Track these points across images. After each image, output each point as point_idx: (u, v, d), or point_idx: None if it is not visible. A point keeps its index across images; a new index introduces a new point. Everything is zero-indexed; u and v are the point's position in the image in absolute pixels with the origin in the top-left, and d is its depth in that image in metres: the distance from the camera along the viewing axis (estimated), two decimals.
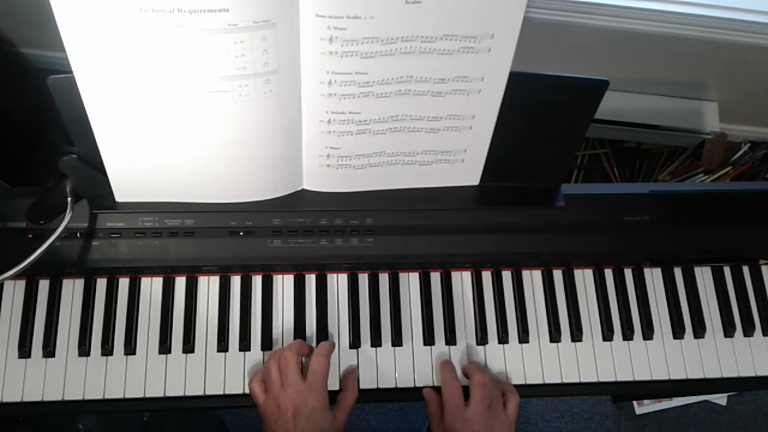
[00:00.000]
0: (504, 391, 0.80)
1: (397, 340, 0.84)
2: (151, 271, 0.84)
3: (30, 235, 0.80)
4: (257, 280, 0.86)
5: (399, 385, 0.83)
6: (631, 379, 0.85)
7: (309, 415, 0.72)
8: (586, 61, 1.07)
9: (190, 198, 0.81)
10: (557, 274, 0.89)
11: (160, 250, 0.82)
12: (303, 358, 0.80)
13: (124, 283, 0.84)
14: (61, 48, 0.62)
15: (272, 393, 0.74)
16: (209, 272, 0.85)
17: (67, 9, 0.60)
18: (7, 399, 0.79)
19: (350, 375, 0.81)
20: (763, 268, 0.92)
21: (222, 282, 0.85)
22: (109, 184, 0.78)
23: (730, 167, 1.31)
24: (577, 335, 0.86)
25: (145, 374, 0.81)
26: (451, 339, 0.84)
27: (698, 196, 0.91)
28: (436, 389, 0.81)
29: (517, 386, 0.84)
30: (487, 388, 0.78)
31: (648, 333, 0.87)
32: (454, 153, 0.80)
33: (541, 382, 0.84)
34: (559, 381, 0.84)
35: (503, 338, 0.85)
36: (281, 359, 0.76)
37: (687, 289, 0.90)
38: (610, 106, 1.17)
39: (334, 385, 0.81)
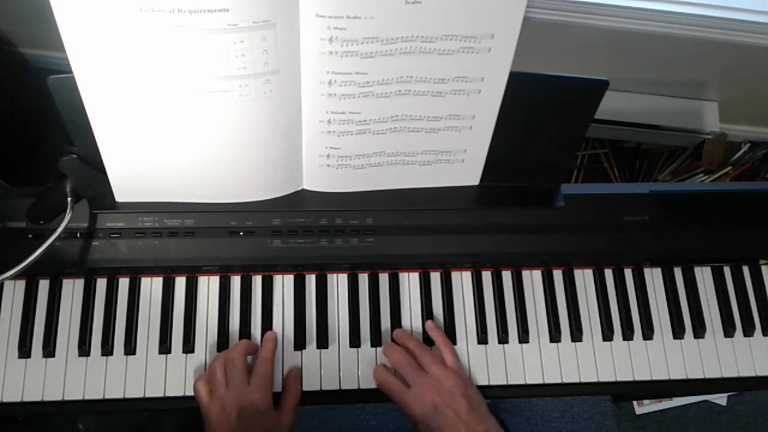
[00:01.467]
0: (438, 344, 0.81)
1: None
2: (151, 271, 0.84)
3: (30, 235, 0.80)
4: (257, 280, 0.86)
5: None
6: (631, 379, 0.85)
7: (253, 417, 0.72)
8: (586, 61, 1.07)
9: (190, 198, 0.81)
10: (557, 274, 0.89)
11: (160, 250, 0.82)
12: (249, 358, 0.79)
13: (124, 283, 0.84)
14: (61, 48, 0.62)
15: (217, 394, 0.74)
16: (209, 272, 0.85)
17: (67, 9, 0.60)
18: (7, 399, 0.79)
19: (292, 375, 0.81)
20: (763, 268, 0.92)
21: (222, 282, 0.85)
22: (109, 184, 0.78)
23: (730, 167, 1.31)
24: (577, 335, 0.86)
25: (145, 374, 0.81)
26: (451, 339, 0.84)
27: (698, 196, 0.91)
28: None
29: (517, 386, 0.84)
30: (407, 360, 0.78)
31: (648, 333, 0.87)
32: (454, 153, 0.80)
33: (541, 382, 0.84)
34: (559, 381, 0.84)
35: (503, 338, 0.85)
36: (227, 360, 0.76)
37: (687, 289, 0.90)
38: (610, 106, 1.17)
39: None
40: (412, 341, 0.81)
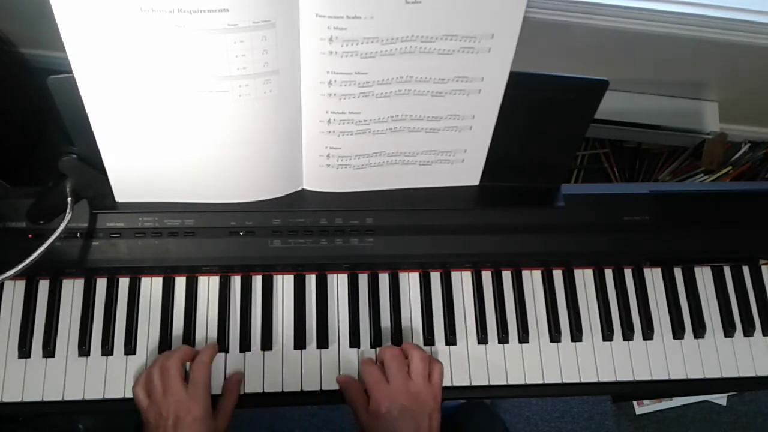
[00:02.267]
0: (429, 362, 0.79)
1: (397, 341, 0.84)
2: (151, 271, 0.84)
3: (30, 235, 0.80)
4: (257, 280, 0.86)
5: None
6: (631, 379, 0.85)
7: (190, 424, 0.72)
8: (586, 61, 1.07)
9: (190, 198, 0.81)
10: (557, 274, 0.89)
11: (160, 250, 0.82)
12: (188, 364, 0.79)
13: (124, 283, 0.84)
14: (61, 48, 0.62)
15: (154, 399, 0.74)
16: (209, 272, 0.85)
17: (67, 9, 0.60)
18: (7, 399, 0.79)
19: (233, 381, 0.80)
20: (763, 268, 0.92)
21: (222, 282, 0.85)
22: (109, 184, 0.78)
23: (730, 167, 1.31)
24: (577, 335, 0.86)
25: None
26: (451, 339, 0.84)
27: (698, 196, 0.91)
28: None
29: (517, 386, 0.84)
30: (400, 359, 0.78)
31: (648, 333, 0.87)
32: (454, 153, 0.80)
33: (541, 382, 0.84)
34: (559, 381, 0.84)
35: (503, 338, 0.85)
36: (162, 367, 0.76)
37: (687, 289, 0.90)
38: (610, 106, 1.17)
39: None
40: (416, 348, 0.80)
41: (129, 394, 0.79)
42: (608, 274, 0.90)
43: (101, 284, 0.84)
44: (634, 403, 1.47)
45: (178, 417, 0.72)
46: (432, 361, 0.79)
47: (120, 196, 0.80)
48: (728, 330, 0.88)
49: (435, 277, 0.87)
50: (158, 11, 0.60)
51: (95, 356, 0.81)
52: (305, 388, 0.81)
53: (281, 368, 0.82)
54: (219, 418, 0.76)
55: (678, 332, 0.87)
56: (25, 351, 0.80)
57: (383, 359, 0.79)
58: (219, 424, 0.76)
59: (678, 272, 0.91)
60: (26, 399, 0.79)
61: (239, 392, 0.80)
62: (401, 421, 0.73)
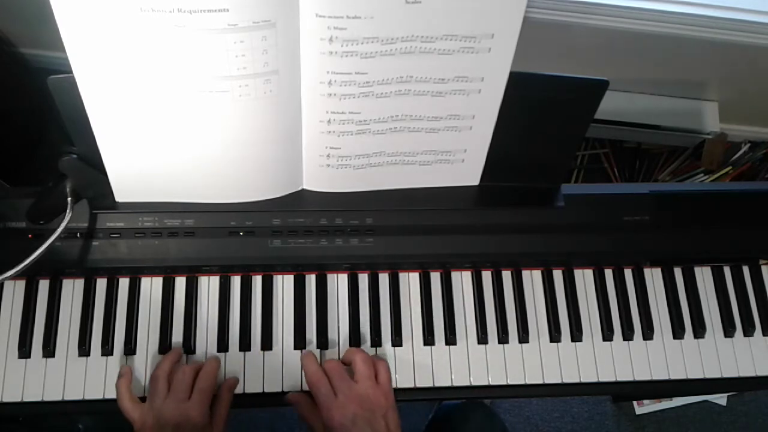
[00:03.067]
0: (374, 363, 0.79)
1: (397, 340, 0.84)
2: (151, 271, 0.84)
3: (30, 235, 0.80)
4: (257, 280, 0.86)
5: (399, 386, 0.83)
6: (631, 379, 0.85)
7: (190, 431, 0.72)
8: (586, 61, 1.07)
9: (190, 198, 0.81)
10: (557, 274, 0.89)
11: (160, 250, 0.82)
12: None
13: (124, 283, 0.84)
14: (61, 48, 0.62)
15: (154, 404, 0.74)
16: (209, 272, 0.85)
17: (67, 9, 0.60)
18: (7, 399, 0.79)
19: (226, 386, 0.80)
20: (763, 268, 0.92)
21: (222, 282, 0.85)
22: (109, 184, 0.78)
23: (730, 167, 1.31)
24: (577, 335, 0.86)
25: (145, 374, 0.81)
26: (451, 339, 0.84)
27: (698, 196, 0.91)
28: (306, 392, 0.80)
29: (517, 386, 0.84)
30: (339, 369, 0.77)
31: (648, 333, 0.87)
32: (454, 153, 0.80)
33: (541, 382, 0.84)
34: (559, 381, 0.84)
35: (503, 338, 0.85)
36: (178, 372, 0.76)
37: (687, 289, 0.90)
38: (610, 106, 1.17)
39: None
40: (358, 351, 0.79)
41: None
42: (608, 274, 0.90)
43: (101, 284, 0.84)
44: (634, 403, 1.47)
45: (179, 426, 0.72)
46: (376, 362, 0.79)
47: (120, 196, 0.80)
48: (728, 330, 0.88)
49: (435, 277, 0.87)
50: (158, 11, 0.60)
51: (95, 356, 0.81)
52: (305, 388, 0.81)
53: (281, 368, 0.82)
54: (215, 425, 0.76)
55: (678, 332, 0.87)
56: (25, 351, 0.80)
57: (326, 372, 0.78)
58: (215, 430, 0.76)
59: (678, 272, 0.91)
60: (26, 399, 0.79)
61: (232, 397, 0.79)
62: (357, 429, 0.73)
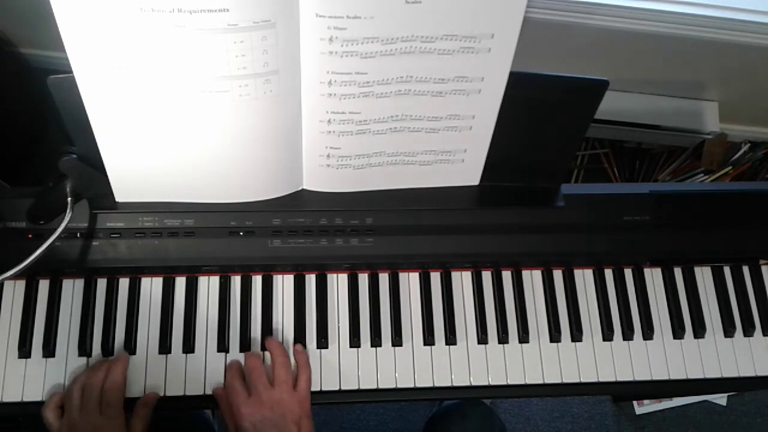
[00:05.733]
0: (298, 366, 0.80)
1: (397, 340, 0.84)
2: (151, 271, 0.84)
3: (30, 235, 0.80)
4: (257, 280, 0.86)
5: (399, 386, 0.83)
6: (631, 379, 0.85)
7: None
8: (586, 61, 1.07)
9: (190, 198, 0.81)
10: (557, 274, 0.89)
11: (160, 250, 0.82)
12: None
13: (124, 283, 0.84)
14: (61, 48, 0.62)
15: (69, 418, 0.74)
16: (209, 272, 0.85)
17: (67, 9, 0.60)
18: (7, 399, 0.79)
19: (142, 402, 0.78)
20: (763, 268, 0.92)
21: (222, 282, 0.85)
22: (109, 184, 0.78)
23: (730, 167, 1.31)
24: (577, 335, 0.86)
25: (145, 374, 0.81)
26: (451, 339, 0.85)
27: (698, 196, 0.91)
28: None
29: (517, 386, 0.84)
30: (259, 369, 0.77)
31: (648, 333, 0.87)
32: (454, 153, 0.80)
33: (541, 382, 0.84)
34: (559, 381, 0.84)
35: (503, 338, 0.85)
36: (86, 386, 0.76)
37: (687, 289, 0.90)
38: (610, 106, 1.17)
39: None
40: (279, 355, 0.79)
41: (128, 394, 0.79)
42: (608, 274, 0.90)
43: (101, 284, 0.84)
44: (634, 403, 1.47)
45: None
46: (300, 368, 0.79)
47: (120, 196, 0.80)
48: (728, 330, 0.88)
49: (435, 277, 0.87)
50: (158, 11, 0.60)
51: (95, 356, 0.81)
52: None
53: None
54: (134, 428, 0.75)
55: (678, 332, 0.87)
56: (25, 351, 0.80)
57: (246, 370, 0.78)
58: None
59: (678, 272, 0.91)
60: (26, 399, 0.79)
61: (150, 413, 0.78)
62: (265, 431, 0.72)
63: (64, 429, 0.74)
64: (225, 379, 0.79)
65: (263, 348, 0.83)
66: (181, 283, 0.85)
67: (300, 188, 0.83)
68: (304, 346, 0.83)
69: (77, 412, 0.74)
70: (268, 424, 0.73)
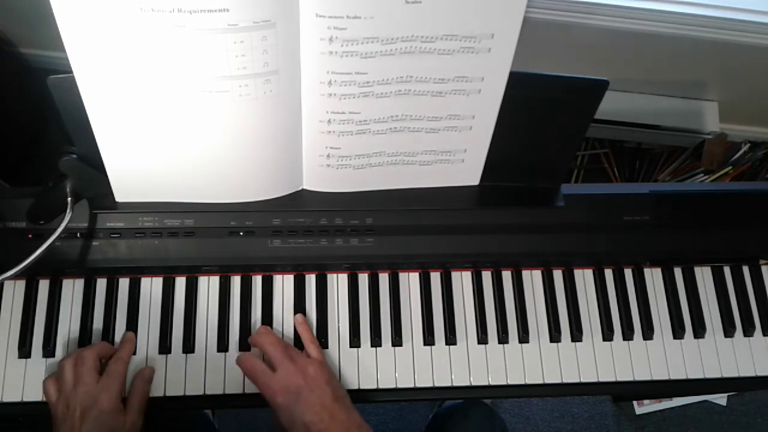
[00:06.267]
0: (303, 340, 0.81)
1: (397, 340, 0.84)
2: (151, 271, 0.84)
3: (30, 235, 0.80)
4: (257, 280, 0.86)
5: (399, 386, 0.83)
6: (631, 379, 0.85)
7: (97, 416, 0.71)
8: (586, 61, 1.07)
9: (190, 198, 0.81)
10: (557, 274, 0.89)
11: (160, 250, 0.82)
12: (103, 360, 0.78)
13: (124, 283, 0.84)
14: (61, 48, 0.62)
15: (64, 392, 0.74)
16: (209, 272, 0.85)
17: (67, 9, 0.60)
18: (7, 399, 0.79)
19: (139, 375, 0.79)
20: (763, 268, 0.92)
21: (222, 282, 0.85)
22: (109, 184, 0.78)
23: (730, 167, 1.31)
24: (577, 335, 0.86)
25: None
26: (451, 339, 0.85)
27: (698, 196, 0.91)
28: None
29: (517, 386, 0.84)
30: (278, 343, 0.78)
31: (648, 333, 0.87)
32: (454, 153, 0.80)
33: (541, 382, 0.84)
34: (559, 381, 0.84)
35: (503, 338, 0.85)
36: (77, 358, 0.75)
37: (687, 289, 0.90)
38: (610, 106, 1.17)
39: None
40: (276, 338, 0.80)
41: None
42: (608, 274, 0.90)
43: (101, 284, 0.84)
44: (634, 403, 1.47)
45: (86, 408, 0.72)
46: (304, 341, 0.80)
47: (120, 196, 0.80)
48: (728, 330, 0.88)
49: (435, 277, 0.87)
50: (158, 11, 0.60)
51: None
52: None
53: None
54: (128, 414, 0.75)
55: (678, 332, 0.87)
56: (25, 351, 0.80)
57: (262, 349, 0.78)
58: (129, 420, 0.74)
59: (678, 272, 0.91)
60: (26, 399, 0.79)
61: (148, 389, 0.78)
62: (304, 401, 0.72)
63: (60, 404, 0.73)
64: (243, 366, 0.79)
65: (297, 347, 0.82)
66: (181, 283, 0.85)
67: (300, 188, 0.83)
68: (304, 346, 0.83)
69: (71, 387, 0.74)
70: (305, 392, 0.73)
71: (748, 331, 0.88)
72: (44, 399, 0.78)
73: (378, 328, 0.84)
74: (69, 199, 0.78)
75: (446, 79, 0.70)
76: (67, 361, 0.76)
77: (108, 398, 0.73)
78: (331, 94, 0.70)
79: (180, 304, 0.84)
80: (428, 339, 0.84)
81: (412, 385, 0.83)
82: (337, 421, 0.72)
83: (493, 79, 0.71)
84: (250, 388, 0.81)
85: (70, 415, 0.72)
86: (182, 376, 0.81)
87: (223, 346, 0.82)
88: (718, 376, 0.86)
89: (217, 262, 0.83)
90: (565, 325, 0.86)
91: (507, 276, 0.88)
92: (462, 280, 0.88)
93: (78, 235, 0.81)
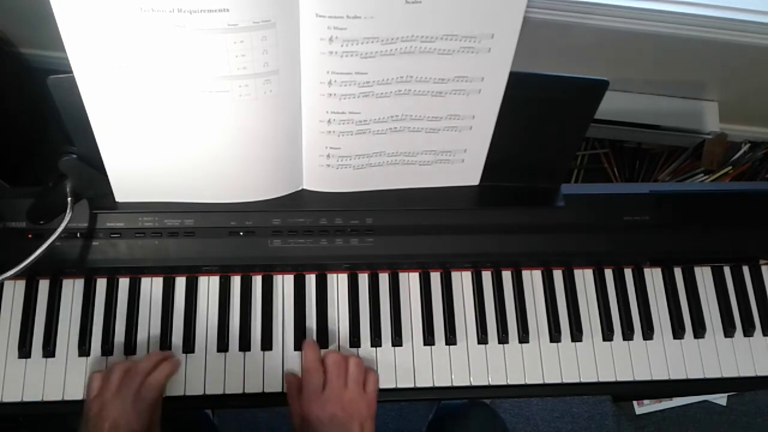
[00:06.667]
0: (365, 371, 0.80)
1: (396, 340, 0.84)
2: (151, 271, 0.84)
3: (30, 235, 0.80)
4: (257, 280, 0.86)
5: (399, 386, 0.83)
6: (631, 379, 0.85)
7: None
8: (586, 61, 1.07)
9: (190, 198, 0.81)
10: (557, 274, 0.89)
11: (160, 250, 0.82)
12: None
13: (124, 283, 0.84)
14: (61, 48, 0.62)
15: (103, 395, 0.74)
16: (209, 272, 0.85)
17: (67, 9, 0.60)
18: (7, 399, 0.79)
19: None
20: (763, 268, 0.92)
21: (222, 282, 0.85)
22: (109, 184, 0.78)
23: (730, 167, 1.31)
24: (577, 335, 0.86)
25: None
26: (451, 339, 0.85)
27: (698, 196, 0.91)
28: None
29: (517, 386, 0.84)
30: (342, 366, 0.77)
31: (648, 333, 0.87)
32: (454, 153, 0.80)
33: (541, 382, 0.84)
34: (559, 381, 0.84)
35: (503, 338, 0.85)
36: (129, 370, 0.76)
37: (687, 289, 0.90)
38: (610, 106, 1.17)
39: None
40: (352, 358, 0.80)
41: None
42: (608, 274, 0.90)
43: (101, 284, 0.84)
44: (634, 403, 1.47)
45: (116, 424, 0.72)
46: (368, 370, 0.79)
47: (120, 196, 0.80)
48: (728, 330, 0.88)
49: (435, 277, 0.87)
50: (158, 11, 0.60)
51: (95, 356, 0.81)
52: None
53: (281, 368, 0.82)
54: None
55: (678, 332, 0.87)
56: (25, 351, 0.80)
57: (325, 363, 0.78)
58: None
59: (678, 272, 0.91)
60: (26, 399, 0.79)
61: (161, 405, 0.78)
62: (331, 430, 0.73)
63: (96, 404, 0.74)
64: (304, 368, 0.79)
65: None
66: (181, 283, 0.85)
67: (300, 188, 0.83)
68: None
69: (112, 393, 0.74)
70: (336, 424, 0.73)
71: (748, 331, 0.88)
72: (44, 399, 0.79)
73: (378, 328, 0.84)
74: (69, 199, 0.78)
75: (446, 79, 0.70)
76: (119, 367, 0.76)
77: (138, 422, 0.73)
78: (331, 94, 0.70)
79: (180, 304, 0.84)
80: (428, 339, 0.84)
81: (412, 385, 0.83)
82: None
83: (493, 79, 0.71)
84: (250, 389, 0.81)
85: (99, 422, 0.72)
86: (182, 376, 0.81)
87: (223, 346, 0.82)
88: (718, 376, 0.86)
89: (217, 262, 0.83)
90: (565, 325, 0.86)
91: (507, 276, 0.88)
92: (462, 280, 0.88)
93: (78, 235, 0.81)
